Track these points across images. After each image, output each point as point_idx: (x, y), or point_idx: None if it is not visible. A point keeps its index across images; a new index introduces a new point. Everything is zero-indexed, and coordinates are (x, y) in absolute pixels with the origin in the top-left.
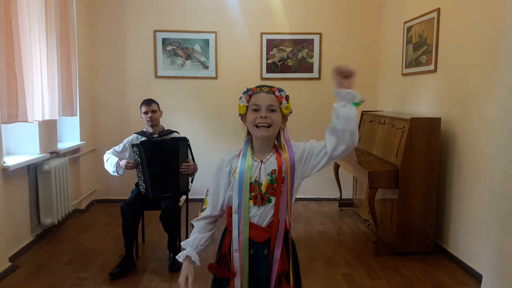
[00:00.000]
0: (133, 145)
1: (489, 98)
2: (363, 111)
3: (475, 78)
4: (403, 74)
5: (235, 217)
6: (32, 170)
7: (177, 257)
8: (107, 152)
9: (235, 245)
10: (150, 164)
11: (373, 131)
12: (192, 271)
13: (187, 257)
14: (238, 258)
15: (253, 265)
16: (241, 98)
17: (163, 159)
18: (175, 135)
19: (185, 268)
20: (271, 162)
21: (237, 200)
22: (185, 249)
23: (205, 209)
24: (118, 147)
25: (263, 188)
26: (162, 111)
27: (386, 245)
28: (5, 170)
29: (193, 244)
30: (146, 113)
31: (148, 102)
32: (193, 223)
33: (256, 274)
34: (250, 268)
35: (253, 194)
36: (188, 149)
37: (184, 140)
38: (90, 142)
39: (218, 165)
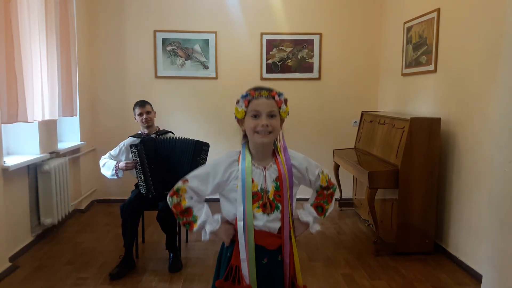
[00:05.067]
0: (131, 146)
1: (489, 98)
2: (363, 111)
3: (475, 78)
4: (403, 74)
5: (240, 224)
6: (32, 170)
7: (203, 239)
8: (103, 157)
9: (242, 254)
10: (152, 162)
11: (373, 131)
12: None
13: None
14: (246, 267)
15: (269, 274)
16: (238, 102)
17: (178, 158)
18: (170, 135)
19: (222, 233)
20: (274, 169)
21: (241, 206)
22: (201, 229)
23: (185, 188)
24: (114, 151)
25: (271, 195)
26: (155, 112)
27: (386, 245)
28: (5, 170)
29: (208, 219)
30: (141, 114)
31: (142, 104)
32: (190, 205)
33: (273, 282)
34: (267, 276)
35: (260, 202)
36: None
37: (207, 146)
38: (90, 142)
39: (221, 159)
